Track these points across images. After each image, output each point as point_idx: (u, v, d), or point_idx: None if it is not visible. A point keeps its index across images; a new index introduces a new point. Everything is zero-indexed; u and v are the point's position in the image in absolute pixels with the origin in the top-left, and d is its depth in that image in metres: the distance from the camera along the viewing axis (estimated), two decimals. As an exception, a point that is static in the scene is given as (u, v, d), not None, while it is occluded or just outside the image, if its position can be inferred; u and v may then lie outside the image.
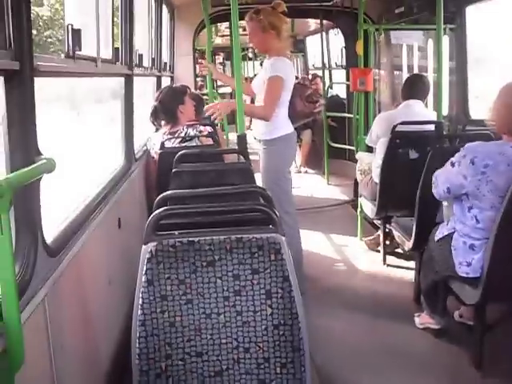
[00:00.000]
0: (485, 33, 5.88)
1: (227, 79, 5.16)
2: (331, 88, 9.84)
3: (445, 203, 3.52)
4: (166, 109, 4.65)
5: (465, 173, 3.03)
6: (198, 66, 5.14)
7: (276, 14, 4.26)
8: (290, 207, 4.39)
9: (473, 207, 3.10)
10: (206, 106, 4.19)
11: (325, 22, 8.49)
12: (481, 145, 3.04)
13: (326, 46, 9.54)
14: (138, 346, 2.09)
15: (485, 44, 6.18)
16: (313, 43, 11.69)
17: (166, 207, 2.18)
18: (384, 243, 5.10)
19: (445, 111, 5.93)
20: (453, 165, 3.16)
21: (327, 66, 9.82)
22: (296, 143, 4.75)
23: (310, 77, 10.60)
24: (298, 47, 13.58)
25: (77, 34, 2.50)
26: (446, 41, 5.95)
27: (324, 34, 8.96)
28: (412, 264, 4.58)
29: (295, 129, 8.92)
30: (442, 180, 3.26)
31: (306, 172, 9.43)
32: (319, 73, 9.56)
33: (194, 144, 4.48)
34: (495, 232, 2.93)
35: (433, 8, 4.09)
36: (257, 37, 4.28)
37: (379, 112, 6.68)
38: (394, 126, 4.57)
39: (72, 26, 2.48)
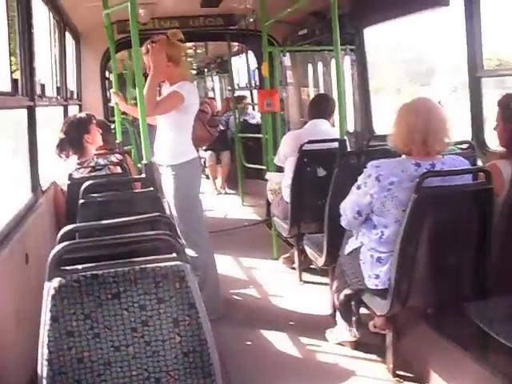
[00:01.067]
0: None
1: (133, 111, 4.92)
2: (254, 109, 9.99)
3: None
4: (72, 139, 4.55)
5: (371, 191, 3.12)
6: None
7: (172, 44, 4.28)
8: (202, 231, 4.40)
9: (377, 225, 3.20)
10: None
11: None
12: (383, 163, 3.14)
13: (246, 67, 9.75)
14: None
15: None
16: (237, 64, 11.84)
17: (67, 242, 2.14)
18: (299, 260, 5.18)
19: (351, 128, 6.15)
20: (359, 187, 3.23)
21: (248, 86, 10.00)
22: (200, 169, 4.78)
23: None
24: (223, 68, 13.77)
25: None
26: (348, 60, 6.21)
27: (245, 54, 9.13)
28: (327, 280, 4.68)
29: (214, 150, 9.09)
30: (350, 206, 3.31)
31: (226, 193, 9.49)
32: (244, 93, 9.71)
33: (104, 173, 4.41)
34: (399, 244, 3.04)
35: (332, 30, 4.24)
36: (159, 66, 4.19)
37: (288, 131, 6.83)
38: (301, 145, 4.68)
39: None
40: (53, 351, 2.03)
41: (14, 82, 3.56)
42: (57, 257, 2.07)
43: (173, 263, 2.08)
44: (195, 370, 2.10)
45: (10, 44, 3.52)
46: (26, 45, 3.79)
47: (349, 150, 4.56)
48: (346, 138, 4.36)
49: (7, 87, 3.46)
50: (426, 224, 3.03)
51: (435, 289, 3.18)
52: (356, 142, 5.98)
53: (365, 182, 3.18)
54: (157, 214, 2.49)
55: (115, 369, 2.08)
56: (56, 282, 2.04)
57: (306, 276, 5.22)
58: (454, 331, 3.19)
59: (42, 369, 2.02)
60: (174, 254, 2.12)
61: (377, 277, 3.24)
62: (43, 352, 2.02)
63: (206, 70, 17.11)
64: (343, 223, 3.48)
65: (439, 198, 3.05)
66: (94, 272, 2.05)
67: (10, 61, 3.53)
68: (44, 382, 2.02)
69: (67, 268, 2.08)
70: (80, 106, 7.00)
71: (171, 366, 2.10)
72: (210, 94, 17.51)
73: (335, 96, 6.41)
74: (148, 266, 2.07)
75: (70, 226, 2.31)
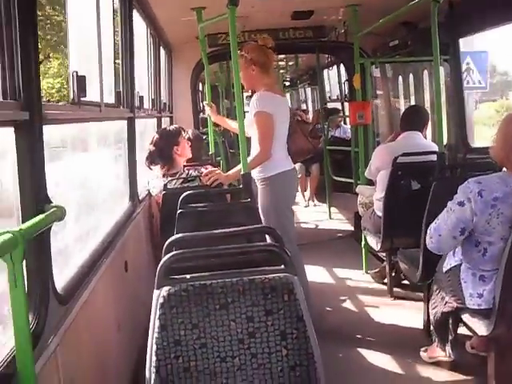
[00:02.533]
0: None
1: (225, 123, 5.02)
2: (345, 123, 9.93)
3: None
4: (161, 152, 4.66)
5: (474, 207, 2.99)
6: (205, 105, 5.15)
7: (260, 49, 4.19)
8: (289, 246, 4.33)
9: (481, 242, 3.07)
10: (205, 172, 4.12)
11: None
12: (484, 179, 3.01)
13: (337, 79, 9.72)
14: None
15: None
16: (328, 76, 11.85)
17: (177, 251, 2.17)
18: (390, 275, 5.07)
19: (445, 140, 5.97)
20: (462, 204, 3.08)
21: (339, 98, 9.95)
22: (296, 181, 4.64)
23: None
24: (316, 79, 13.82)
25: (81, 80, 2.52)
26: (440, 72, 6.04)
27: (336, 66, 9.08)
28: (419, 295, 4.54)
29: (304, 163, 9.05)
30: (451, 225, 3.14)
31: (315, 205, 9.45)
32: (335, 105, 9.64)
33: (196, 184, 4.48)
34: (505, 262, 2.91)
35: (425, 40, 4.15)
36: (241, 73, 4.16)
37: (378, 144, 6.72)
38: (395, 158, 4.59)
39: (77, 73, 2.51)
40: (161, 359, 2.05)
41: (118, 94, 3.69)
42: (166, 265, 2.11)
43: (281, 275, 2.07)
44: None
45: (114, 60, 3.64)
46: (127, 59, 3.94)
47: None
48: (444, 151, 4.22)
49: (111, 99, 3.59)
50: (535, 241, 2.89)
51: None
52: (450, 154, 5.80)
53: (468, 197, 3.04)
54: (262, 225, 2.49)
55: (220, 379, 2.09)
56: (165, 290, 2.07)
57: (397, 291, 5.08)
58: None
59: (150, 376, 2.05)
60: (282, 266, 2.11)
61: (480, 296, 3.11)
62: (151, 360, 2.05)
63: (298, 81, 17.18)
64: (431, 246, 3.32)
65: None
66: (203, 282, 2.07)
67: (115, 74, 3.65)
68: None
69: (176, 277, 2.11)
70: (171, 117, 7.17)
71: (277, 380, 2.08)
72: (303, 106, 17.55)
73: (427, 107, 6.32)
74: (256, 277, 2.07)
75: (179, 235, 2.35)
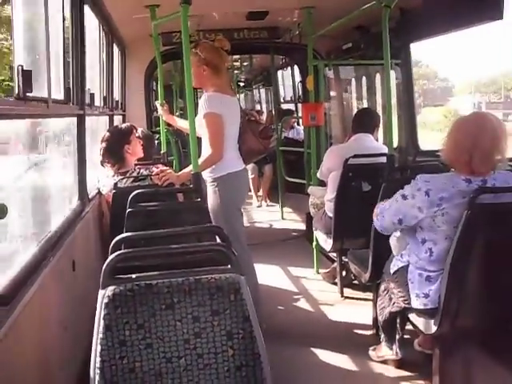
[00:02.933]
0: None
1: (177, 123, 4.95)
2: (298, 124, 9.98)
3: (397, 233, 3.55)
4: (112, 150, 4.60)
5: (420, 205, 3.07)
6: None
7: (215, 50, 4.18)
8: (238, 247, 4.32)
9: (426, 240, 3.14)
10: (155, 171, 4.06)
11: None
12: (433, 177, 3.09)
13: (291, 81, 9.76)
14: None
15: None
16: (282, 77, 11.88)
17: (122, 251, 2.14)
18: (340, 275, 5.12)
19: (395, 143, 6.07)
20: (405, 197, 3.18)
21: (293, 99, 9.98)
22: (247, 181, 4.62)
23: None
24: (270, 80, 13.84)
25: (27, 75, 2.46)
26: (392, 75, 6.14)
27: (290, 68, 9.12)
28: (369, 295, 4.61)
29: (257, 163, 9.06)
30: (392, 212, 3.26)
31: (268, 206, 9.48)
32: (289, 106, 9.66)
33: (147, 183, 4.43)
34: (450, 262, 2.97)
35: (378, 44, 4.20)
36: (193, 70, 4.05)
37: (330, 145, 6.79)
38: (347, 160, 4.64)
39: (22, 66, 2.44)
40: (105, 360, 2.02)
41: (67, 90, 3.62)
42: (111, 265, 2.08)
43: (228, 275, 2.07)
44: None
45: (64, 55, 3.57)
46: (78, 55, 3.86)
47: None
48: (394, 153, 4.29)
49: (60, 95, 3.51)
50: (478, 242, 2.96)
51: (487, 309, 3.09)
52: (400, 157, 5.90)
53: (413, 194, 3.12)
54: (210, 224, 2.48)
55: (166, 380, 2.07)
56: (110, 290, 2.04)
57: (348, 291, 5.15)
58: (505, 354, 3.08)
59: (95, 377, 2.01)
60: (229, 266, 2.10)
61: (426, 296, 3.17)
62: (96, 360, 2.02)
63: (253, 82, 17.19)
64: (376, 223, 3.44)
65: (494, 214, 2.97)
66: (149, 281, 2.05)
67: (64, 70, 3.58)
68: None
69: (121, 277, 2.08)
70: (124, 116, 7.08)
71: (223, 380, 2.07)
72: (257, 107, 17.57)
73: (379, 111, 6.41)
74: (203, 277, 2.06)
75: (125, 235, 2.31)
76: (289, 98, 11.01)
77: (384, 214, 3.34)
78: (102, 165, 4.70)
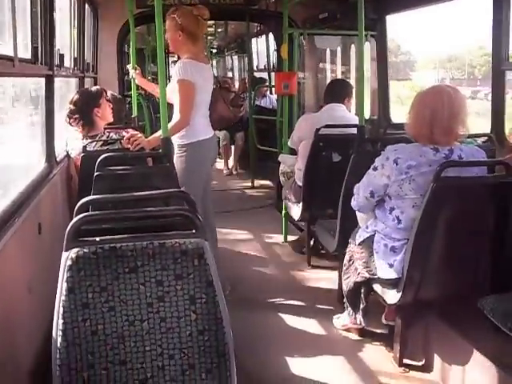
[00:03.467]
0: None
1: (150, 86, 4.98)
2: (271, 93, 9.94)
3: None
4: (82, 112, 4.53)
5: (388, 173, 3.11)
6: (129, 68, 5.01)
7: (193, 17, 4.16)
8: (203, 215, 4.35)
9: (394, 208, 3.18)
10: (126, 136, 3.99)
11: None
12: (401, 147, 3.13)
13: (266, 49, 9.67)
14: (58, 356, 2.02)
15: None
16: (257, 45, 11.78)
17: (86, 213, 2.13)
18: (308, 244, 5.17)
19: (367, 115, 6.10)
20: (375, 169, 3.23)
21: (266, 68, 9.91)
22: (215, 147, 4.63)
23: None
24: (243, 48, 13.67)
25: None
26: (367, 47, 6.14)
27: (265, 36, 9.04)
28: (336, 264, 4.66)
29: (228, 130, 9.04)
30: (364, 186, 3.31)
31: (237, 173, 9.48)
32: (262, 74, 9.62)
33: (116, 147, 4.39)
34: (414, 233, 3.02)
35: (355, 15, 4.18)
36: (169, 35, 4.19)
37: (303, 114, 6.78)
38: (318, 129, 4.64)
39: (-14, 23, 2.38)
40: (67, 322, 2.02)
41: (35, 49, 3.53)
42: (75, 227, 2.06)
43: (192, 240, 2.07)
44: (209, 348, 2.09)
45: (31, 12, 3.48)
46: (46, 13, 3.75)
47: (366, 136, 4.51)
48: (364, 124, 4.30)
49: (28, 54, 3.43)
50: (443, 214, 3.02)
51: (449, 281, 3.18)
52: (372, 129, 5.93)
53: (382, 164, 3.17)
54: (176, 189, 2.47)
55: (129, 343, 2.08)
56: (73, 252, 2.03)
57: (315, 260, 5.20)
58: (466, 325, 3.16)
59: (57, 339, 2.01)
60: (193, 231, 2.11)
61: (390, 266, 3.22)
62: (58, 322, 2.02)
63: (226, 49, 16.99)
64: (353, 203, 3.48)
65: (459, 188, 3.03)
66: (112, 244, 2.04)
67: (32, 29, 3.49)
68: (58, 352, 2.02)
69: (85, 239, 2.07)
70: (95, 78, 6.95)
71: (185, 344, 2.09)
72: (229, 74, 17.42)
73: (352, 82, 6.41)
74: (167, 241, 2.06)
75: (90, 197, 2.30)
76: (262, 67, 10.93)
77: (359, 191, 3.38)
78: (70, 124, 4.62)
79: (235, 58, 16.82)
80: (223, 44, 16.46)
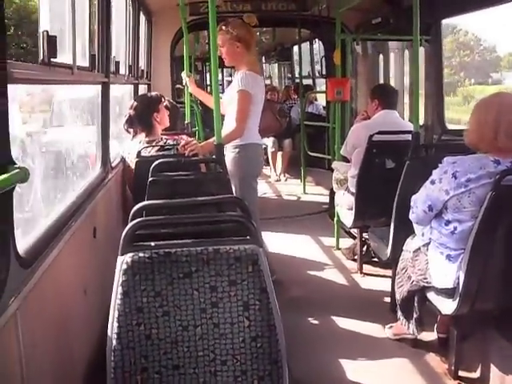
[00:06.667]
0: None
1: (203, 96, 5.05)
2: (316, 100, 9.92)
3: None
4: (141, 117, 4.61)
5: (447, 187, 3.03)
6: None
7: (245, 26, 4.30)
8: (255, 214, 4.40)
9: (451, 221, 3.09)
10: (182, 143, 4.06)
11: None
12: (460, 159, 3.04)
13: (310, 56, 9.64)
14: (113, 359, 2.04)
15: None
16: (299, 52, 11.77)
17: (142, 218, 2.15)
18: (360, 252, 5.11)
19: (421, 121, 6.00)
20: (433, 182, 3.14)
21: (311, 75, 9.88)
22: (263, 155, 4.80)
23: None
24: (284, 55, 13.65)
25: (52, 40, 2.45)
26: (422, 51, 6.03)
27: (309, 43, 9.03)
28: (389, 272, 4.59)
29: (276, 137, 9.10)
30: (422, 200, 3.22)
31: (287, 180, 9.47)
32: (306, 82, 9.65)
33: (172, 153, 4.44)
34: (472, 242, 2.94)
35: (408, 19, 4.12)
36: (225, 49, 4.31)
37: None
38: (371, 136, 4.59)
39: (47, 32, 2.44)
40: (122, 326, 2.05)
41: (92, 57, 3.62)
42: (131, 232, 2.09)
43: (247, 246, 2.07)
44: (262, 355, 2.08)
45: (90, 22, 3.56)
46: (103, 23, 3.85)
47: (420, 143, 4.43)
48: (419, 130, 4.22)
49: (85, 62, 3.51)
50: (502, 223, 2.93)
51: (507, 292, 3.07)
52: (426, 135, 5.83)
53: (440, 177, 3.09)
54: (230, 195, 2.47)
55: (182, 348, 2.09)
56: (129, 257, 2.05)
57: (367, 268, 5.13)
58: None
59: (112, 342, 2.04)
60: (248, 237, 2.10)
61: (446, 275, 3.15)
62: (113, 326, 2.04)
63: (265, 57, 16.93)
64: (411, 216, 3.39)
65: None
66: (167, 250, 2.05)
67: (90, 37, 3.57)
68: (112, 354, 2.04)
69: (141, 244, 2.09)
70: (149, 85, 7.07)
71: (238, 350, 2.09)
72: (267, 82, 17.38)
73: (405, 87, 6.33)
74: (221, 247, 2.06)
75: (146, 202, 2.33)
76: (305, 74, 10.89)
77: (417, 203, 3.30)
78: (128, 130, 4.72)
79: (275, 65, 16.76)
80: (262, 52, 16.45)
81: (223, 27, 4.26)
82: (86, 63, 3.54)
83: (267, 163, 9.11)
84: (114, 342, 2.04)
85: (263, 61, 17.33)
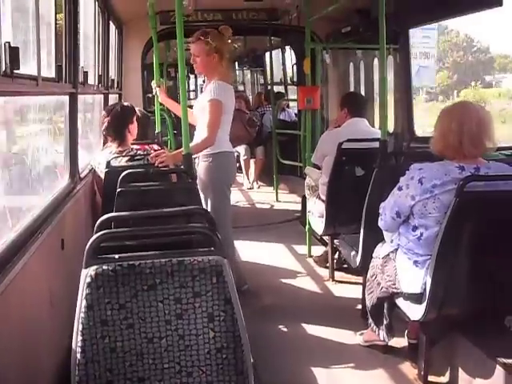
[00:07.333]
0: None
1: (172, 105, 5.06)
2: (288, 107, 9.95)
3: None
4: (116, 127, 4.59)
5: (413, 193, 3.07)
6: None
7: (222, 38, 4.36)
8: (228, 224, 4.48)
9: (418, 227, 3.14)
10: (153, 153, 4.08)
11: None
12: (426, 166, 3.09)
13: (282, 63, 9.68)
14: (77, 373, 2.03)
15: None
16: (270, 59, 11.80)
17: (105, 231, 2.14)
18: (332, 259, 5.13)
19: (390, 129, 6.06)
20: (400, 189, 3.19)
21: (282, 82, 9.91)
22: (235, 164, 4.82)
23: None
24: (257, 62, 13.67)
25: (14, 52, 2.43)
26: (391, 60, 6.11)
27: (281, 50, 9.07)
28: (360, 279, 4.62)
29: (249, 145, 9.13)
30: (390, 206, 3.26)
31: (259, 188, 9.48)
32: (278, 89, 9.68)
33: (142, 163, 4.42)
34: (437, 247, 2.98)
35: (377, 28, 4.17)
36: (200, 58, 4.35)
37: (327, 128, 6.77)
38: (340, 144, 4.62)
39: (9, 43, 2.41)
40: (86, 339, 2.03)
41: (58, 68, 3.59)
42: (94, 244, 2.07)
43: (211, 257, 2.06)
44: (228, 366, 2.08)
45: (56, 31, 3.53)
46: (70, 32, 3.82)
47: (389, 150, 4.48)
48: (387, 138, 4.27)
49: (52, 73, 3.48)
50: (466, 229, 2.97)
51: (473, 297, 3.10)
52: (395, 142, 5.89)
53: (407, 183, 3.14)
54: (196, 206, 2.47)
55: (147, 360, 2.08)
56: (92, 270, 2.04)
57: (338, 275, 5.15)
58: (491, 342, 3.10)
59: (76, 355, 2.02)
60: (212, 248, 2.10)
61: (412, 281, 3.18)
62: (77, 339, 2.03)
63: (237, 63, 16.94)
64: (380, 223, 3.43)
65: (482, 202, 2.97)
66: (131, 262, 2.04)
67: (56, 47, 3.55)
68: (77, 368, 2.02)
69: (104, 256, 2.08)
70: (120, 94, 7.03)
71: (203, 361, 2.08)
72: (240, 88, 17.40)
73: (374, 95, 6.40)
74: (185, 258, 2.05)
75: (109, 215, 2.31)
76: (277, 80, 10.93)
77: (385, 211, 3.34)
78: (106, 138, 4.70)
79: (247, 72, 16.81)
80: (235, 58, 16.46)
81: (201, 37, 4.30)
82: (52, 74, 3.51)
83: (240, 171, 9.13)
84: (79, 355, 2.02)
85: (236, 67, 17.35)
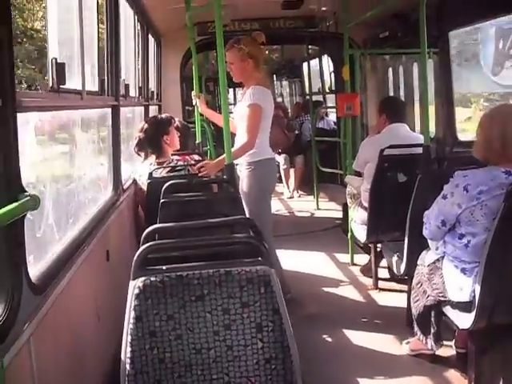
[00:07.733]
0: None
1: (212, 115, 5.15)
2: (327, 115, 9.92)
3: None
4: (151, 139, 4.63)
5: (459, 201, 3.01)
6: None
7: (255, 44, 4.39)
8: (269, 230, 4.43)
9: (465, 234, 3.07)
10: (198, 165, 4.09)
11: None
12: (471, 172, 3.03)
13: (320, 72, 9.66)
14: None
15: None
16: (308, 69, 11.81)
17: (152, 242, 2.15)
18: (375, 267, 5.06)
19: (432, 134, 5.97)
20: (445, 197, 3.13)
21: (321, 91, 9.89)
22: (276, 169, 4.84)
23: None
24: (294, 72, 13.66)
25: (61, 67, 2.48)
26: (431, 64, 6.02)
27: (318, 59, 9.05)
28: (404, 287, 4.55)
29: (288, 154, 9.14)
30: (435, 215, 3.20)
31: (300, 196, 9.45)
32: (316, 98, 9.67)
33: (183, 173, 4.45)
34: (486, 254, 2.91)
35: (416, 32, 4.12)
36: (235, 65, 4.38)
37: (367, 135, 6.71)
38: (382, 150, 4.57)
39: (56, 59, 2.47)
40: (135, 350, 2.04)
41: (101, 82, 3.65)
42: (142, 256, 2.09)
43: (258, 267, 2.06)
44: (277, 377, 2.06)
45: (98, 46, 3.60)
46: (112, 47, 3.89)
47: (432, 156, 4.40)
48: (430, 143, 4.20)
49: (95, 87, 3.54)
50: (516, 234, 2.89)
51: (525, 305, 3.02)
52: (437, 147, 5.79)
53: (451, 191, 3.07)
54: (241, 216, 2.47)
55: (196, 371, 2.08)
56: (141, 281, 2.05)
57: (382, 283, 5.09)
58: None
59: (125, 367, 2.03)
60: (259, 258, 2.09)
61: (460, 289, 3.11)
62: (126, 350, 2.04)
63: (275, 75, 16.97)
64: (425, 232, 3.37)
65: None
66: (179, 273, 2.05)
67: (99, 62, 3.60)
68: (126, 379, 2.03)
69: (152, 268, 2.09)
70: (160, 106, 7.11)
71: (252, 372, 2.07)
72: (278, 100, 17.41)
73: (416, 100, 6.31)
74: (233, 269, 2.05)
75: (156, 226, 2.33)
76: (316, 90, 10.92)
77: (430, 219, 3.28)
78: (138, 153, 4.74)
79: (285, 83, 16.79)
80: (273, 70, 16.49)
81: (234, 44, 4.34)
82: (95, 87, 3.57)
83: (280, 180, 9.12)
84: (128, 366, 2.04)
85: (274, 79, 17.37)
